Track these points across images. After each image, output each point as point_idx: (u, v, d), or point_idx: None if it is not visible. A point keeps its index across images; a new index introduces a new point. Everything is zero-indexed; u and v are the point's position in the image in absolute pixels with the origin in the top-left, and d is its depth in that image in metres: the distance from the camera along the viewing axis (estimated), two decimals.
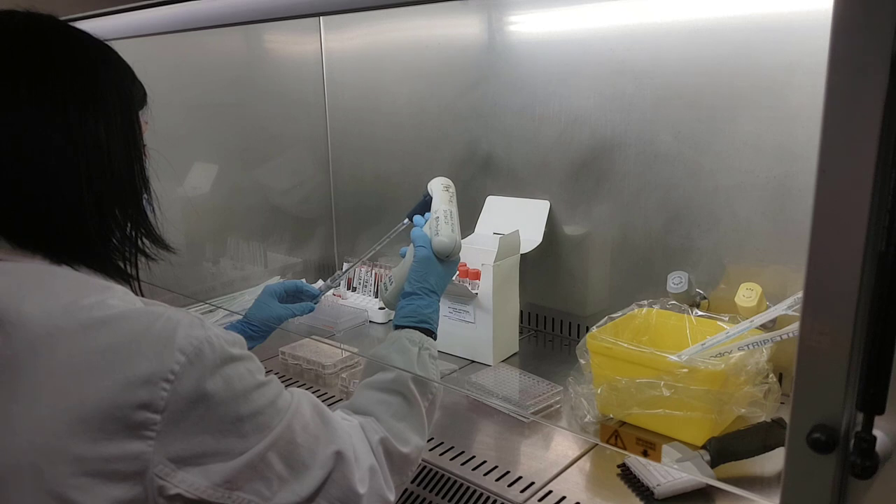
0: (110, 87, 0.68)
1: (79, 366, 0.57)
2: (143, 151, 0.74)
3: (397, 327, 0.94)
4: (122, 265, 0.70)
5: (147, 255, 0.73)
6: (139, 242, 0.72)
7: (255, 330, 1.19)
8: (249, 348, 1.25)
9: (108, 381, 0.57)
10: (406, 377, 0.85)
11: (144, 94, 0.76)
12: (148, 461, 0.58)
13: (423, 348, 0.90)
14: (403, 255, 1.07)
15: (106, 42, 0.72)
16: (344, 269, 1.45)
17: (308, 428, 0.68)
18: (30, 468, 0.56)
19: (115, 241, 0.70)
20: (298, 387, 1.32)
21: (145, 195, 0.73)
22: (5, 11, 0.67)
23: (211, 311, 1.61)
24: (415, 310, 0.95)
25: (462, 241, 1.46)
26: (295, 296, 1.28)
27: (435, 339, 0.95)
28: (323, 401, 1.24)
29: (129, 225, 0.70)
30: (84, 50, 0.68)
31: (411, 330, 0.93)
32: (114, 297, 0.63)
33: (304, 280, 1.40)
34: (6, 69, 0.63)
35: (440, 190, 1.08)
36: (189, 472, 0.60)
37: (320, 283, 1.39)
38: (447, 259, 1.00)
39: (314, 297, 1.29)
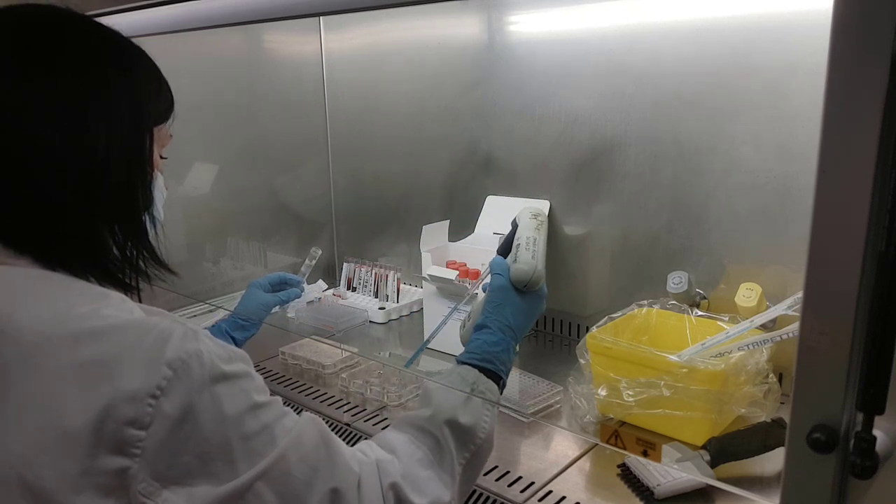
0: (122, 93, 0.65)
1: (67, 378, 0.56)
2: (153, 167, 0.71)
3: (460, 363, 0.83)
4: (120, 276, 0.68)
5: (148, 278, 0.70)
6: (140, 264, 0.69)
7: (246, 320, 1.22)
8: (244, 338, 1.27)
9: (95, 395, 0.55)
10: (442, 420, 0.75)
11: (170, 106, 0.73)
12: (132, 478, 0.56)
13: (476, 391, 0.78)
14: (485, 290, 0.93)
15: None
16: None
17: (307, 459, 0.63)
18: (17, 479, 0.55)
19: (112, 255, 0.67)
20: (298, 387, 1.32)
21: (148, 212, 0.70)
22: (34, 4, 0.65)
23: (211, 311, 1.61)
24: (481, 346, 0.82)
25: (463, 241, 1.49)
26: (279, 287, 1.35)
27: (500, 384, 0.82)
28: (322, 401, 1.25)
29: (128, 244, 0.68)
30: (102, 52, 0.66)
31: (470, 368, 0.81)
32: (109, 305, 0.61)
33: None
34: (16, 62, 0.61)
35: (526, 218, 0.96)
36: (173, 493, 0.57)
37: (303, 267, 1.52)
38: (526, 289, 0.87)
39: (298, 283, 1.37)
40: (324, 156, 1.87)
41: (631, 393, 1.01)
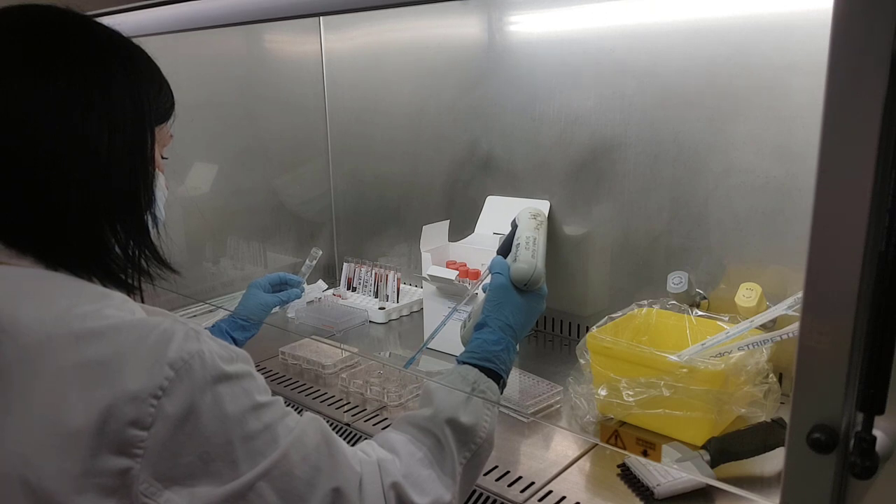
0: (124, 93, 0.66)
1: (69, 378, 0.56)
2: (155, 166, 0.71)
3: (460, 363, 0.83)
4: (122, 276, 0.68)
5: (151, 277, 0.70)
6: (142, 263, 0.69)
7: (247, 320, 1.23)
8: (245, 338, 1.27)
9: (97, 395, 0.55)
10: (442, 419, 0.75)
11: (171, 106, 0.73)
12: (134, 478, 0.56)
13: (477, 390, 0.78)
14: (485, 290, 0.93)
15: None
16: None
17: (309, 459, 0.63)
18: (18, 479, 0.55)
19: (114, 255, 0.67)
20: (298, 387, 1.32)
21: (149, 212, 0.70)
22: (34, 5, 0.65)
23: (211, 312, 1.61)
24: (481, 345, 0.83)
25: (463, 241, 1.49)
26: (280, 287, 1.37)
27: (501, 383, 0.82)
28: (322, 401, 1.25)
29: (130, 244, 0.68)
30: (103, 52, 0.66)
31: (470, 367, 0.81)
32: (110, 305, 0.61)
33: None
34: (17, 63, 0.61)
35: (526, 218, 0.97)
36: (175, 493, 0.57)
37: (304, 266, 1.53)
38: (526, 288, 0.88)
39: (298, 283, 1.38)
40: (324, 156, 1.87)
41: (631, 393, 1.01)
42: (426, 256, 1.42)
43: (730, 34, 1.17)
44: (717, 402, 0.98)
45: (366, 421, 1.18)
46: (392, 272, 1.68)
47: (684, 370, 0.98)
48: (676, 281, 1.23)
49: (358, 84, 1.78)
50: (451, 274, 1.34)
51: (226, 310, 1.52)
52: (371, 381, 1.24)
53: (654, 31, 1.25)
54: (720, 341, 1.02)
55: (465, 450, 0.75)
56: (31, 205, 0.62)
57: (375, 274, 1.71)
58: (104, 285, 0.66)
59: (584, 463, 1.04)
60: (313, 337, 1.48)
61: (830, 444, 0.48)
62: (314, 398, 1.27)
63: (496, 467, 1.02)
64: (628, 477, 0.97)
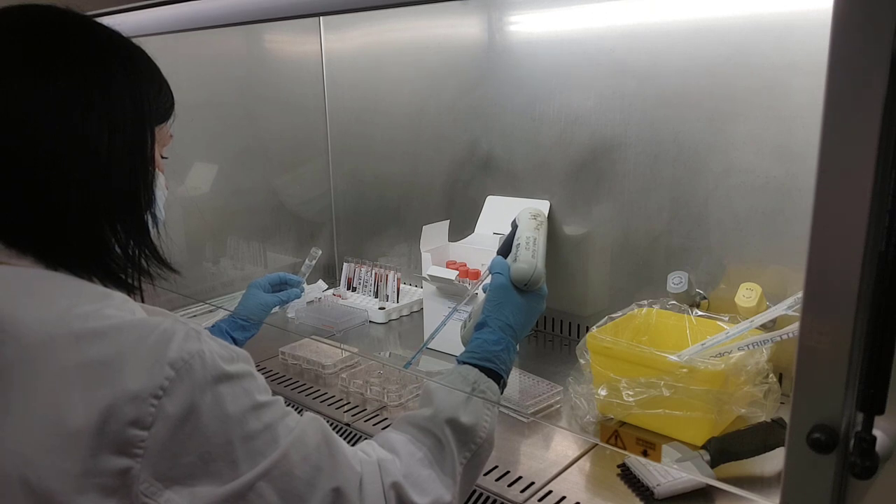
0: (124, 93, 0.66)
1: (70, 378, 0.56)
2: (155, 166, 0.71)
3: (460, 363, 0.83)
4: (122, 276, 0.68)
5: (151, 277, 0.70)
6: (142, 263, 0.69)
7: (247, 320, 1.23)
8: (245, 338, 1.27)
9: (97, 395, 0.55)
10: (442, 419, 0.75)
11: (171, 106, 0.73)
12: (134, 478, 0.56)
13: (477, 390, 0.78)
14: (485, 290, 0.93)
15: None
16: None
17: (310, 459, 0.63)
18: (19, 480, 0.55)
19: (115, 254, 0.67)
20: (298, 387, 1.32)
21: (149, 212, 0.70)
22: (34, 5, 0.66)
23: (211, 312, 1.61)
24: (481, 345, 0.83)
25: (463, 241, 1.49)
26: (279, 287, 1.37)
27: (501, 383, 0.82)
28: (322, 401, 1.25)
29: (130, 243, 0.68)
30: (103, 52, 0.66)
31: (471, 367, 0.81)
32: (111, 305, 0.61)
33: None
34: (17, 63, 0.61)
35: (526, 218, 0.97)
36: (176, 493, 0.57)
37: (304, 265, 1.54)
38: (526, 288, 0.88)
39: (298, 283, 1.39)
40: (324, 156, 1.87)
41: (631, 393, 1.01)
42: (426, 256, 1.42)
43: (730, 34, 1.17)
44: (717, 402, 0.98)
45: (366, 421, 1.18)
46: (392, 272, 1.68)
47: (684, 370, 0.98)
48: (676, 281, 1.23)
49: (358, 84, 1.78)
50: (451, 274, 1.35)
51: (226, 310, 1.51)
52: (371, 381, 1.24)
53: (654, 31, 1.25)
54: (720, 341, 1.02)
55: (465, 450, 0.75)
56: (31, 205, 0.62)
57: (375, 274, 1.71)
58: (104, 285, 0.66)
59: (584, 463, 1.04)
60: (313, 337, 1.48)
61: (830, 444, 0.48)
62: (314, 398, 1.27)
63: (496, 467, 1.02)
64: (628, 477, 0.97)
